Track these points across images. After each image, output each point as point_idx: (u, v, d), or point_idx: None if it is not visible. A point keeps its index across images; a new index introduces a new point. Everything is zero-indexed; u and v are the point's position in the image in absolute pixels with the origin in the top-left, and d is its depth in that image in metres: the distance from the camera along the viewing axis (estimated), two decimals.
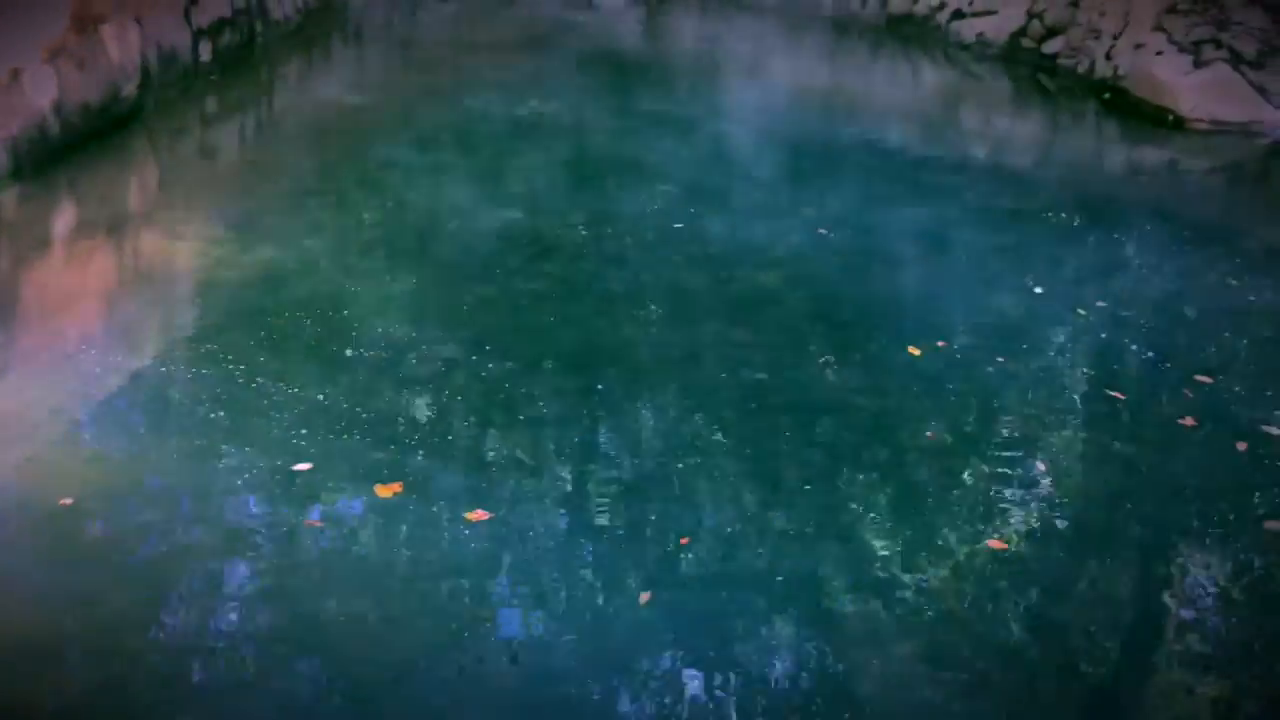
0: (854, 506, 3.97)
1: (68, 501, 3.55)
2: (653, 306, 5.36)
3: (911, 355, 4.95)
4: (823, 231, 6.18)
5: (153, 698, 2.88)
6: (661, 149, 7.41)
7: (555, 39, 10.04)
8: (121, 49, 6.72)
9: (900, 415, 4.57)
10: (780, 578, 3.53)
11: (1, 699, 2.85)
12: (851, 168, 7.38)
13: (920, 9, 10.32)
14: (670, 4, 11.16)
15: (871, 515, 3.93)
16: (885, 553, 3.71)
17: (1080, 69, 9.08)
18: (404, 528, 3.61)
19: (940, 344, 5.04)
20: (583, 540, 3.68)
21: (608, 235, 6.03)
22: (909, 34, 10.29)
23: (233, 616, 3.23)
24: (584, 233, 6.02)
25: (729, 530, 3.77)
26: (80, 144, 6.32)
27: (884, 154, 7.69)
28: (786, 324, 5.31)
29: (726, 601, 3.41)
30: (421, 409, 4.34)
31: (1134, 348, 5.15)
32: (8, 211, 5.66)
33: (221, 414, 4.13)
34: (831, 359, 4.95)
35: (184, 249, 5.50)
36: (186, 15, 7.43)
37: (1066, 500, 4.11)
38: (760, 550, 3.69)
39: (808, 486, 4.03)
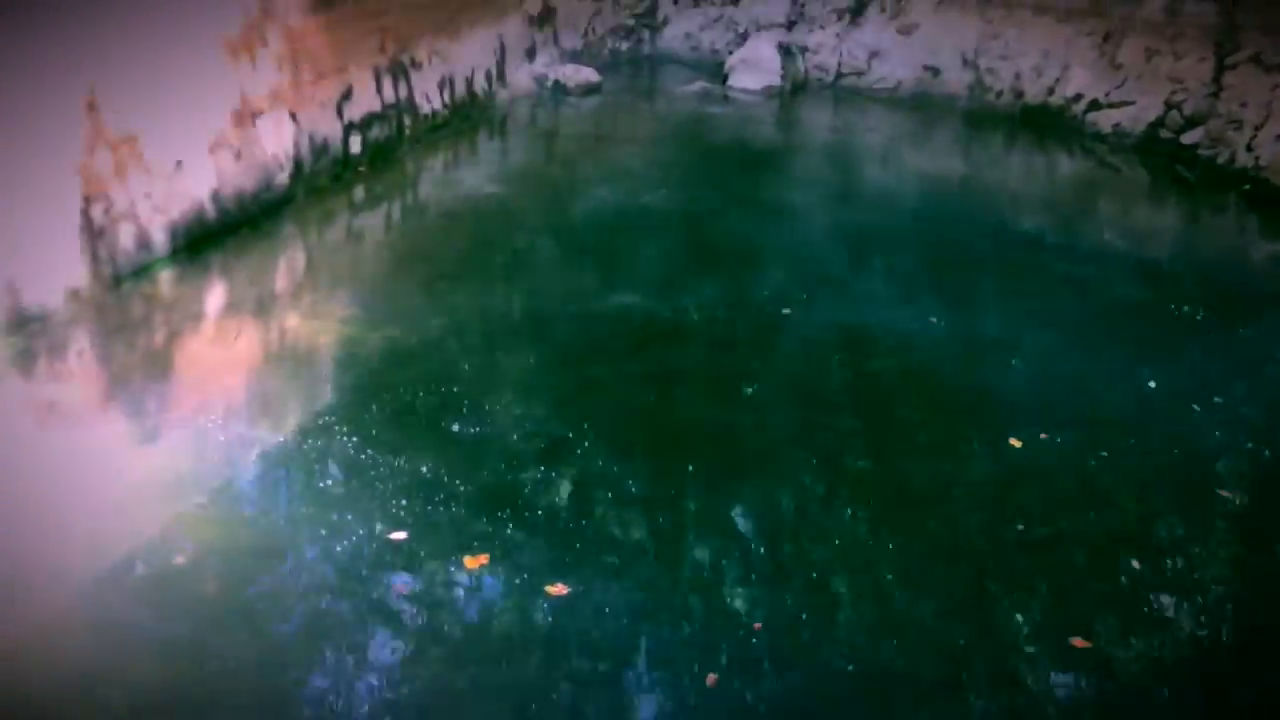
0: (946, 599, 3.95)
1: (181, 561, 3.84)
2: (758, 391, 5.44)
3: (1013, 447, 4.89)
4: (934, 320, 6.16)
5: None
6: (781, 236, 7.53)
7: (689, 130, 10.33)
8: (277, 141, 7.25)
9: (998, 508, 4.52)
10: (851, 667, 3.54)
11: None
12: (977, 257, 7.34)
13: (1055, 100, 10.25)
14: (804, 97, 11.36)
15: (964, 609, 3.90)
16: (969, 644, 3.67)
17: (1220, 160, 8.85)
18: (484, 598, 3.76)
19: (1043, 436, 4.96)
20: (654, 620, 3.75)
21: (719, 320, 6.15)
22: (1044, 125, 10.21)
23: (322, 675, 3.42)
24: (696, 317, 6.16)
25: (806, 618, 3.79)
26: (234, 228, 6.83)
27: (1013, 243, 7.62)
28: (892, 412, 5.31)
29: (798, 691, 3.43)
30: (519, 484, 4.51)
31: (1249, 447, 4.96)
32: (164, 289, 6.15)
33: (331, 483, 4.39)
34: (933, 448, 4.94)
35: (320, 328, 5.86)
36: (339, 110, 7.96)
37: (1164, 601, 3.98)
38: (839, 639, 3.69)
39: (889, 576, 4.02)
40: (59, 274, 5.66)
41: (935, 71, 11.18)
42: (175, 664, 3.40)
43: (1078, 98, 10.15)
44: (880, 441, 5.02)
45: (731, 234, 7.60)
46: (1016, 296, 6.62)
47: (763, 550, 4.20)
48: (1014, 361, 5.75)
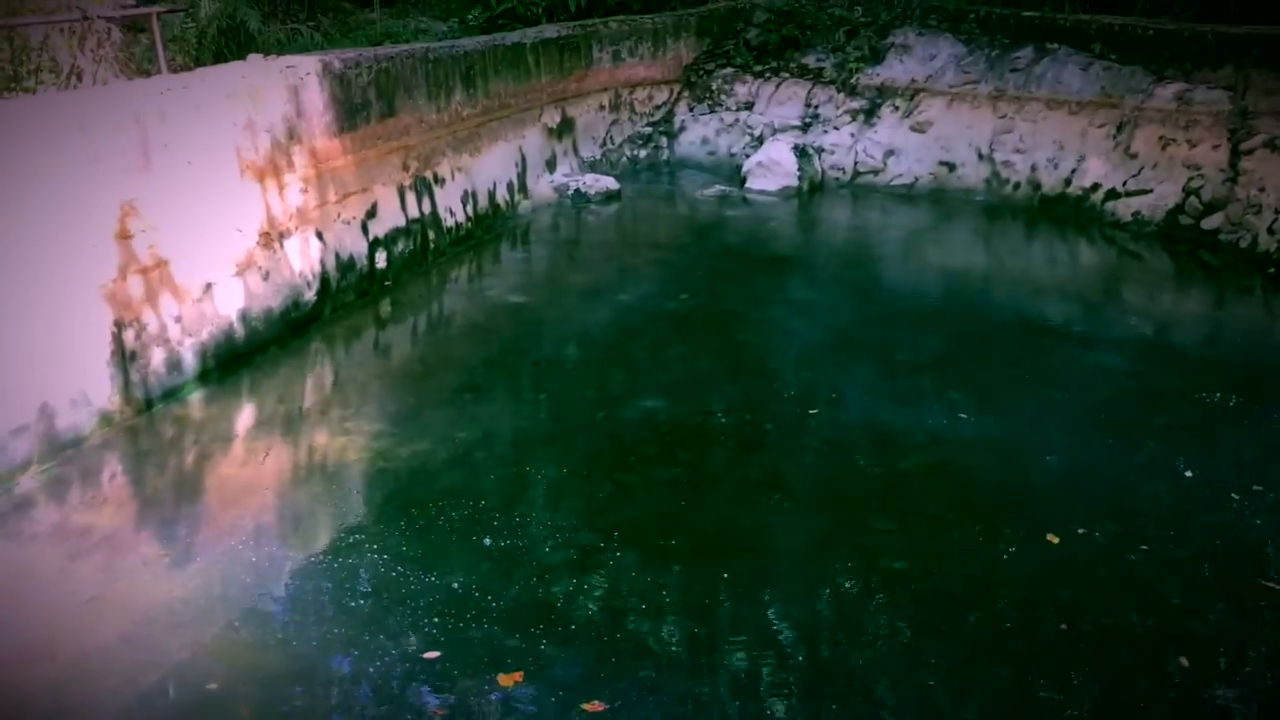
0: (991, 703, 3.85)
1: (214, 687, 3.80)
2: (787, 494, 5.40)
3: (1051, 543, 4.81)
4: (963, 415, 6.13)
5: None
6: (805, 335, 7.55)
7: (709, 233, 10.45)
8: (304, 260, 7.39)
9: (1039, 606, 4.43)
10: None
11: None
12: (1002, 348, 7.32)
13: (1073, 190, 10.32)
14: (821, 196, 11.49)
15: (1010, 713, 3.80)
16: None
17: (1242, 244, 8.84)
18: (519, 717, 3.70)
19: (1080, 531, 4.89)
20: None
21: (746, 422, 6.14)
22: (1063, 215, 10.27)
23: None
24: (723, 420, 6.15)
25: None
26: (262, 347, 6.91)
27: (1038, 333, 7.60)
28: (924, 510, 5.25)
29: None
30: (551, 597, 4.46)
31: None
32: (194, 411, 6.21)
33: (363, 603, 4.36)
34: (969, 547, 4.87)
35: (349, 444, 5.88)
36: (364, 227, 8.11)
37: (1216, 697, 3.87)
38: None
39: (931, 680, 3.94)
40: (91, 398, 5.73)
41: (951, 166, 11.31)
42: None
43: (1095, 187, 10.22)
44: (915, 542, 4.96)
45: (755, 335, 7.62)
46: (1045, 387, 6.59)
47: (801, 657, 4.13)
48: (1046, 455, 5.70)
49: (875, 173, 11.68)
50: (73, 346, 5.64)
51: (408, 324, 8.09)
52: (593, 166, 11.99)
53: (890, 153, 11.66)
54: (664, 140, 12.92)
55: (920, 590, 4.58)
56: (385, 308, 8.11)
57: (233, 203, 6.79)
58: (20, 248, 5.36)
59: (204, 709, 3.74)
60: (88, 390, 5.70)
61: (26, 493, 5.26)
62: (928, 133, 11.54)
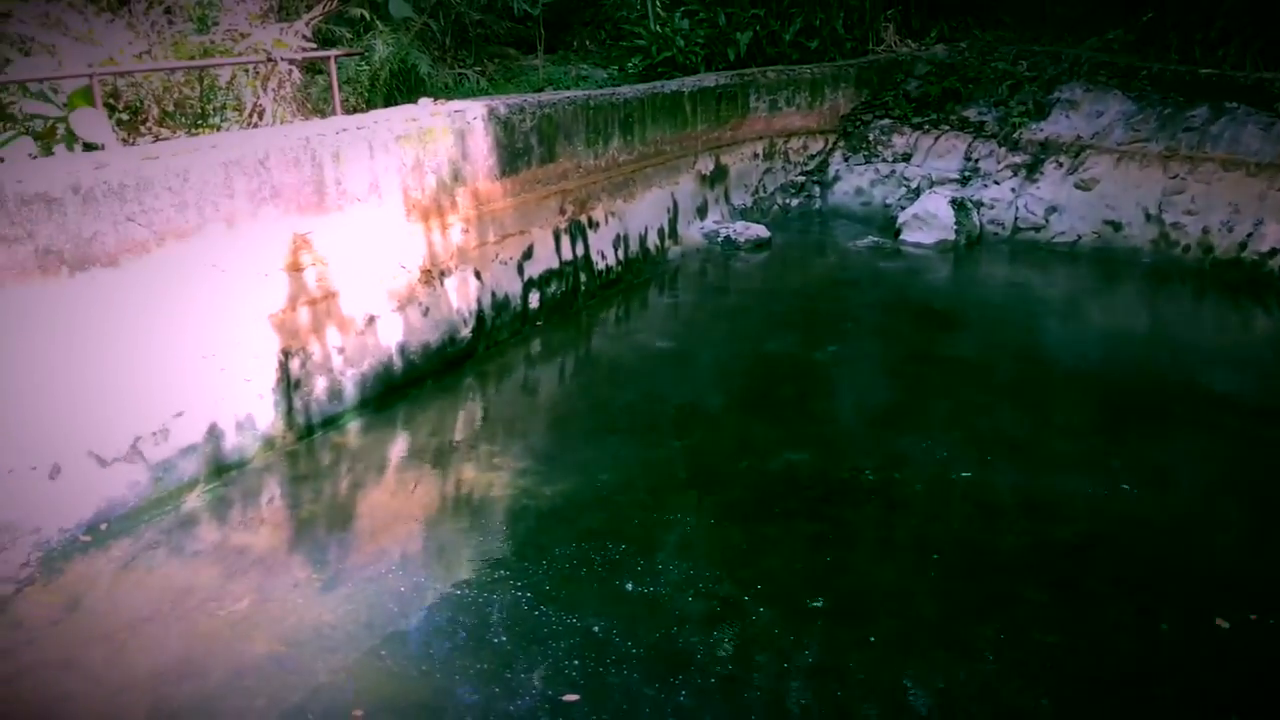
0: None
1: (359, 714, 3.87)
2: (935, 557, 5.25)
3: (1220, 627, 4.54)
4: (1126, 487, 5.87)
5: None
6: (959, 394, 7.36)
7: (860, 285, 10.32)
8: (461, 297, 7.57)
9: (1206, 695, 4.18)
10: None
11: None
12: (1170, 418, 7.00)
13: (1249, 254, 9.84)
14: (979, 251, 11.24)
15: None
16: None
17: None
18: None
19: (1253, 617, 4.60)
20: None
21: (894, 481, 6.00)
22: (1236, 280, 9.80)
23: None
24: (871, 477, 6.03)
25: None
26: (418, 380, 7.10)
27: (1207, 405, 7.24)
28: (1079, 585, 5.03)
29: None
30: (690, 648, 4.42)
31: None
32: (351, 439, 6.41)
33: (504, 639, 4.40)
34: (1128, 626, 4.64)
35: (496, 479, 5.97)
36: (520, 268, 8.28)
37: None
38: None
39: None
40: (257, 423, 5.96)
41: (1116, 226, 10.93)
42: None
43: (1273, 252, 9.74)
44: (1068, 616, 4.74)
45: (907, 391, 7.47)
46: (1213, 461, 6.26)
47: None
48: (1216, 533, 5.40)
49: (1036, 229, 11.38)
50: (242, 372, 5.89)
51: (556, 364, 8.21)
52: (744, 214, 12.01)
53: (1052, 209, 11.34)
54: (817, 189, 12.86)
55: (1071, 669, 4.37)
56: (536, 347, 8.24)
57: (398, 240, 7.02)
58: (199, 273, 5.64)
59: None
60: (254, 415, 5.94)
61: (191, 511, 5.49)
62: (1093, 190, 11.19)
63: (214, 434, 5.71)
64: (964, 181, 11.99)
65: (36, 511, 4.85)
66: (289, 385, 6.16)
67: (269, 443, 6.05)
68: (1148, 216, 10.76)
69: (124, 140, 7.57)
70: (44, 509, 4.88)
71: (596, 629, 4.46)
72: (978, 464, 6.15)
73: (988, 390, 7.48)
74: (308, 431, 6.31)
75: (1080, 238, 11.09)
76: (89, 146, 6.32)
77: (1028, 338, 8.84)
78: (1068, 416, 7.01)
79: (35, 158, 6.04)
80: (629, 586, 4.86)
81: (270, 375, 6.05)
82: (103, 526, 5.14)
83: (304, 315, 6.28)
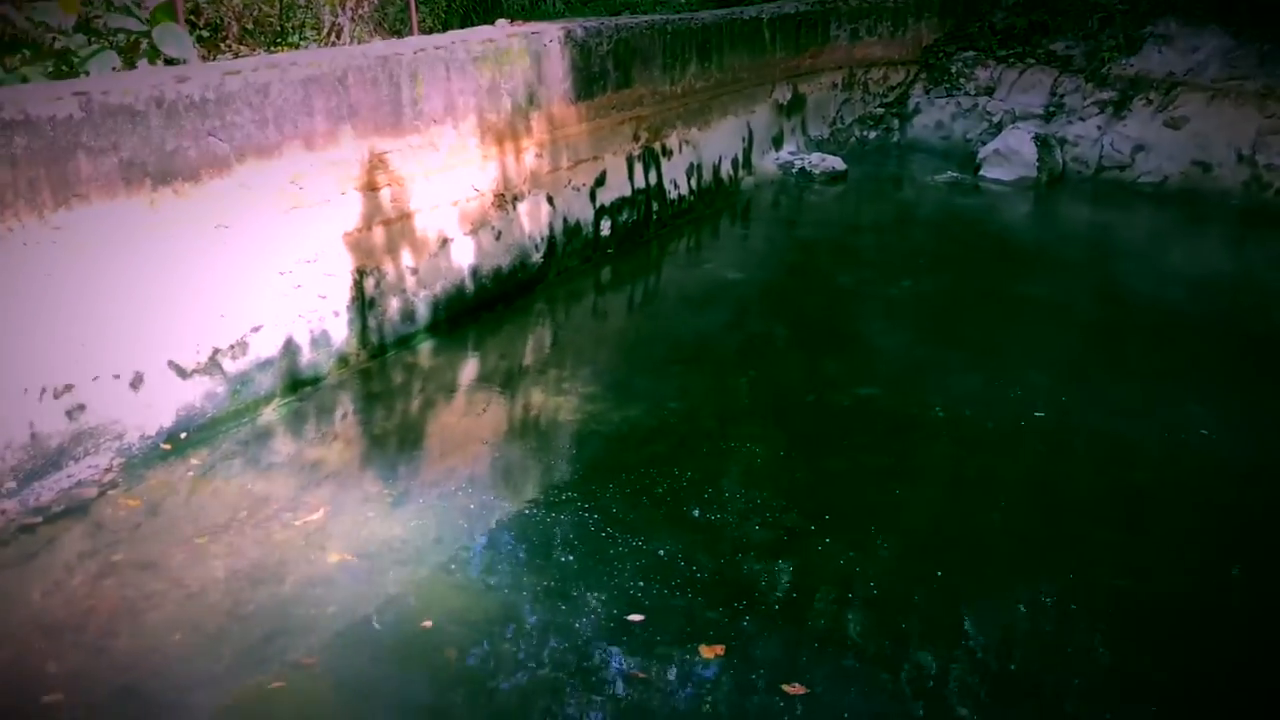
0: None
1: (428, 624, 3.95)
2: (1005, 496, 5.19)
3: None
4: (1205, 432, 5.74)
5: None
6: (1035, 333, 7.23)
7: (937, 220, 10.14)
8: (534, 222, 7.57)
9: (1274, 648, 4.10)
10: None
11: None
12: (1252, 365, 6.81)
13: None
14: (1061, 189, 10.95)
15: None
16: None
17: None
18: (721, 690, 3.69)
19: None
20: None
21: (965, 418, 5.92)
22: None
23: None
24: (941, 414, 5.96)
25: None
26: (489, 304, 7.14)
27: None
28: (1156, 527, 4.94)
29: None
30: (755, 575, 4.43)
31: None
32: (422, 360, 6.48)
33: (572, 559, 4.45)
34: (1203, 570, 4.56)
35: (564, 404, 6.00)
36: (592, 195, 8.24)
37: None
38: None
39: (1154, 708, 3.70)
40: (332, 340, 6.05)
41: (1206, 167, 10.58)
42: None
43: None
44: (1140, 559, 4.66)
45: (981, 329, 7.35)
46: None
47: (999, 664, 3.96)
48: None
49: (1121, 168, 11.06)
50: (317, 289, 5.96)
51: (626, 292, 8.20)
52: (820, 145, 11.83)
53: (1139, 148, 11.01)
54: (895, 122, 12.61)
55: (1138, 613, 4.30)
56: (606, 275, 8.23)
57: (472, 162, 7.01)
58: (277, 190, 5.69)
59: (416, 643, 3.89)
60: (329, 332, 6.02)
61: (267, 424, 5.61)
62: (1183, 129, 10.83)
63: (290, 349, 5.80)
64: (1048, 117, 11.68)
65: (119, 419, 4.98)
66: (363, 304, 6.22)
67: (343, 360, 6.13)
68: (1240, 157, 10.41)
69: (204, 57, 7.63)
70: (126, 417, 5.01)
71: (662, 552, 4.49)
72: (1052, 404, 6.05)
73: (1065, 330, 7.34)
74: (380, 351, 6.38)
75: (1167, 178, 10.77)
76: (170, 62, 6.38)
77: (1108, 278, 8.64)
78: (1147, 359, 6.85)
79: (119, 71, 6.11)
80: (695, 513, 4.88)
81: (345, 294, 6.12)
82: (182, 436, 5.26)
83: (379, 235, 6.32)
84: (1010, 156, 11.13)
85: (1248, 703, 3.80)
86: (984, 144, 11.55)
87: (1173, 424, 5.84)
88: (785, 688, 3.67)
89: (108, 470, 4.90)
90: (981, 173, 11.20)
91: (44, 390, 4.63)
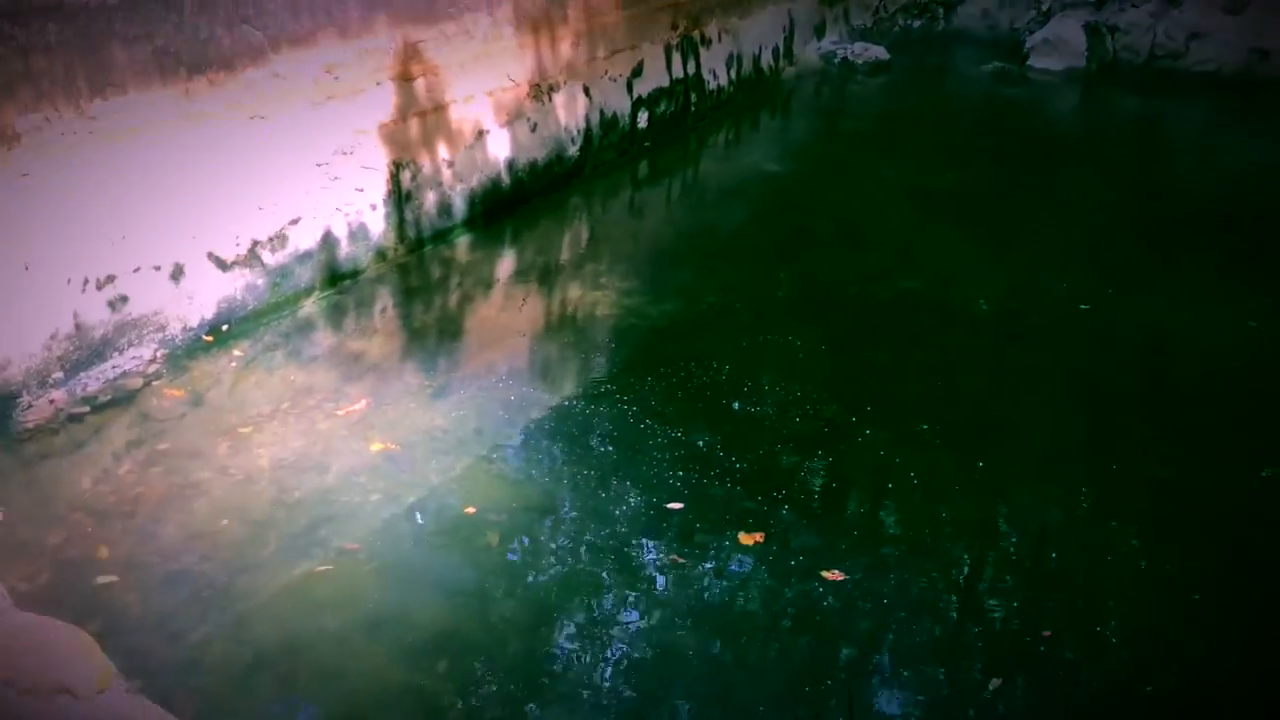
0: (1222, 647, 3.59)
1: (472, 511, 4.00)
2: (1050, 389, 5.14)
3: None
4: (1254, 324, 5.63)
5: (515, 694, 3.17)
6: (1083, 226, 7.09)
7: (982, 111, 9.90)
8: (569, 115, 7.45)
9: None
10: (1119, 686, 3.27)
11: (403, 678, 3.25)
12: None
13: None
14: (1111, 79, 10.63)
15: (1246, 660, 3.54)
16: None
17: None
18: (761, 576, 3.72)
19: None
20: (937, 618, 3.60)
21: (1009, 312, 5.84)
22: None
23: (595, 636, 3.48)
24: (985, 307, 5.88)
25: (1099, 633, 3.54)
26: (525, 199, 7.07)
27: None
28: (1197, 422, 4.88)
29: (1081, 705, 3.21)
30: (795, 466, 4.43)
31: None
32: (459, 254, 6.45)
33: (611, 449, 4.47)
34: (1244, 466, 4.50)
35: (601, 298, 5.97)
36: (629, 86, 8.08)
37: None
38: (1106, 657, 3.43)
39: (1189, 603, 3.70)
40: (370, 233, 6.02)
41: (1264, 54, 10.21)
42: (459, 609, 3.54)
43: None
44: (1183, 453, 4.61)
45: (1027, 221, 7.21)
46: None
47: (1054, 555, 3.96)
48: None
49: (1174, 57, 10.70)
50: (354, 182, 5.91)
51: (663, 186, 8.09)
52: (863, 35, 11.52)
53: (1194, 36, 10.63)
54: (940, 11, 12.24)
55: (1178, 507, 4.27)
56: (643, 168, 8.12)
57: (507, 52, 6.88)
58: (312, 80, 5.62)
59: (458, 529, 3.94)
60: (367, 225, 5.99)
61: (308, 316, 5.62)
62: (1242, 15, 10.43)
63: (328, 242, 5.79)
64: (1099, 5, 11.28)
65: (161, 310, 5.01)
66: (400, 197, 6.18)
67: (381, 254, 6.12)
68: None
69: None
70: (168, 308, 5.03)
71: (701, 444, 4.49)
72: (1098, 297, 5.95)
73: (1113, 223, 7.19)
74: (418, 245, 6.35)
75: (1221, 67, 10.42)
76: None
77: (1158, 172, 8.44)
78: (1195, 253, 6.71)
79: None
80: (734, 406, 4.87)
81: (381, 187, 6.07)
82: (224, 328, 5.29)
83: (414, 127, 6.24)
84: (1058, 45, 10.80)
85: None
86: (1031, 33, 11.20)
87: (1220, 318, 5.74)
88: (824, 574, 3.69)
89: (151, 361, 4.94)
90: (1029, 63, 10.89)
91: (86, 281, 4.65)
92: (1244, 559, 3.95)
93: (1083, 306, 5.83)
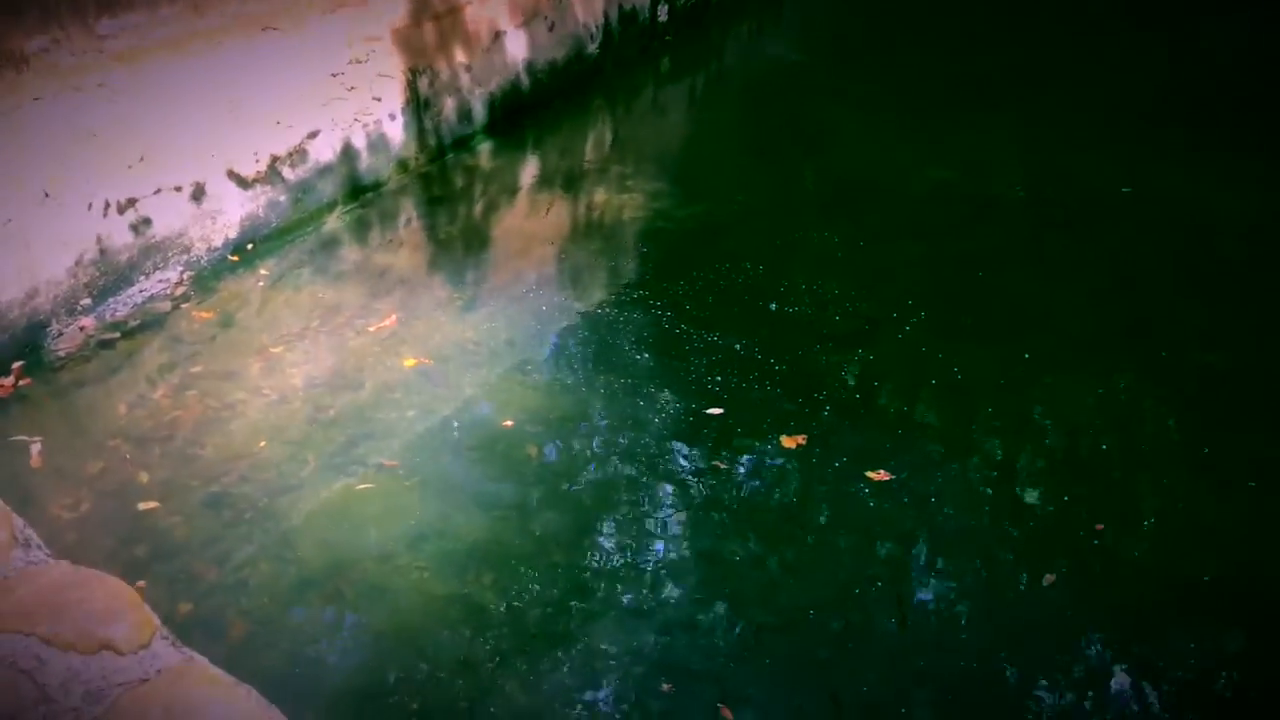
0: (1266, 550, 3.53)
1: (509, 424, 3.95)
2: (1091, 275, 5.01)
3: None
4: None
5: (560, 602, 3.16)
6: (1120, 104, 6.87)
7: None
8: (587, 12, 7.23)
9: None
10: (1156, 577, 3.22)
11: (447, 590, 3.24)
12: None
13: None
14: None
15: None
16: None
17: None
18: (805, 479, 3.67)
19: None
20: (986, 516, 3.55)
21: (1048, 199, 5.69)
22: None
23: (645, 544, 3.45)
24: (1022, 195, 5.73)
25: (1153, 524, 3.49)
26: (545, 101, 6.90)
27: None
28: (1244, 303, 4.75)
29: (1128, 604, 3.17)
30: (835, 365, 4.36)
31: None
32: (482, 161, 6.32)
33: (647, 355, 4.40)
34: None
35: (629, 202, 5.85)
36: None
37: None
38: (1156, 551, 3.37)
39: (1237, 490, 3.62)
40: (390, 144, 5.90)
41: None
42: (500, 522, 3.52)
43: None
44: (1229, 336, 4.50)
45: (1061, 105, 6.99)
46: None
47: (1104, 446, 3.88)
48: None
49: None
50: (371, 91, 5.77)
51: (686, 82, 7.89)
52: None
53: None
54: None
55: (1226, 390, 4.17)
56: (665, 65, 7.91)
57: None
58: None
59: (496, 443, 3.90)
60: (386, 135, 5.87)
61: (332, 231, 5.54)
62: None
63: (348, 155, 5.67)
64: None
65: (184, 231, 4.94)
66: (418, 105, 6.03)
67: (402, 164, 6.00)
68: None
69: None
70: (191, 229, 4.96)
71: (738, 347, 4.42)
72: (1139, 179, 5.77)
73: (1152, 102, 6.96)
74: (439, 153, 6.23)
75: None
76: None
77: (1200, 43, 8.13)
78: (1236, 131, 6.49)
79: None
80: (770, 306, 4.78)
81: (399, 95, 5.92)
82: (249, 247, 5.22)
83: (429, 31, 6.07)
84: None
85: None
86: None
87: (1266, 201, 5.56)
88: (870, 474, 3.64)
89: (178, 284, 4.89)
90: None
91: (108, 205, 4.58)
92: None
93: (1124, 189, 5.67)
